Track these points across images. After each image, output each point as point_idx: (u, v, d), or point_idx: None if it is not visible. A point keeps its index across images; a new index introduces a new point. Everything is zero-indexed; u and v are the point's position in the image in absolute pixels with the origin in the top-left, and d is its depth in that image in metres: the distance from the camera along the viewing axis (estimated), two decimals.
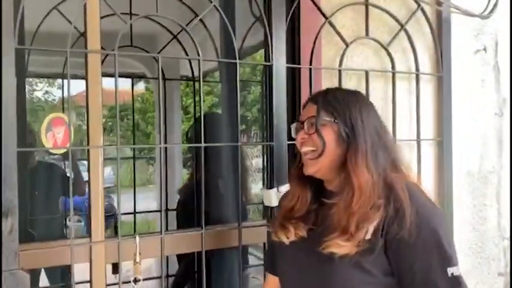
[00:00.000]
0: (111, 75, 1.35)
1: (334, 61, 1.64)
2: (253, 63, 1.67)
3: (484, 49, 2.00)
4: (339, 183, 1.04)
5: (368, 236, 0.96)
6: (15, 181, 1.12)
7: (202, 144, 1.39)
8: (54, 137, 1.39)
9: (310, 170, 1.06)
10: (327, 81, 1.60)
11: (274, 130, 1.45)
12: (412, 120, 1.78)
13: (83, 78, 1.37)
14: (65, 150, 1.36)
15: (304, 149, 1.07)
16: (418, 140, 1.77)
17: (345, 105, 1.04)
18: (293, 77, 1.56)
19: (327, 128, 1.03)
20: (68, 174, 2.63)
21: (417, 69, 1.78)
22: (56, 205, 2.63)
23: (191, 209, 1.66)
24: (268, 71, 1.45)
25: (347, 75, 1.65)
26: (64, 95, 2.31)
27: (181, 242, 1.39)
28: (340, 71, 1.61)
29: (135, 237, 1.27)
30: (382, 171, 1.01)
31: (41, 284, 2.48)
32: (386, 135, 1.08)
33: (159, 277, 1.43)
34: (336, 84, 1.60)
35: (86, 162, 1.42)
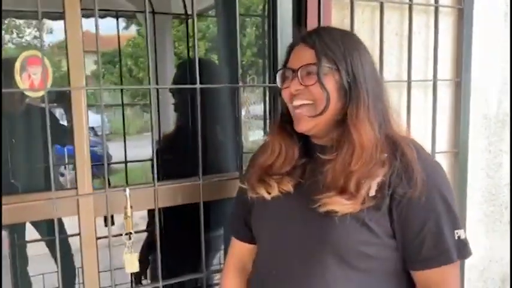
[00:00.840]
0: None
1: None
2: None
3: None
4: (334, 138, 0.92)
5: (372, 193, 0.86)
6: None
7: (198, 86, 1.23)
8: (30, 78, 1.23)
9: (304, 126, 0.92)
10: (337, 13, 1.42)
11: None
12: (429, 58, 1.62)
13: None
14: (42, 92, 1.21)
15: (297, 102, 0.92)
16: (435, 81, 1.61)
17: (345, 48, 0.90)
18: (298, 8, 1.37)
19: (327, 78, 0.89)
20: (61, 122, 2.49)
21: (436, 0, 1.59)
22: (47, 153, 2.50)
23: (169, 160, 1.52)
24: (271, 1, 1.26)
25: (359, 6, 1.46)
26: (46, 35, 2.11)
27: (177, 194, 1.27)
28: (352, 1, 1.42)
29: (124, 189, 1.14)
30: (384, 123, 0.92)
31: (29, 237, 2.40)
32: (382, 81, 0.98)
33: (147, 230, 1.32)
34: (347, 17, 1.42)
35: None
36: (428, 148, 1.49)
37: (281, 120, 1.00)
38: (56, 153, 2.71)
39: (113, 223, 1.60)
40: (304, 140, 0.98)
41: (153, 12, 1.95)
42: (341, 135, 0.90)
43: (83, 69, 1.22)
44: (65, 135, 2.49)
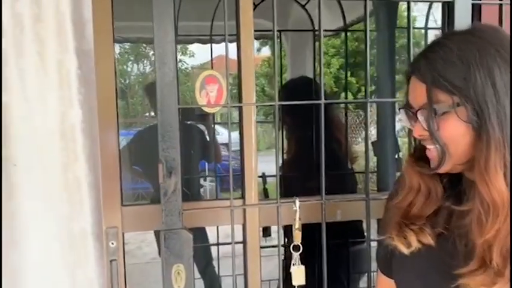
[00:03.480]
0: None
1: None
2: (428, 0, 1.41)
3: None
4: None
5: None
6: (177, 139, 1.09)
7: (368, 100, 1.22)
8: (207, 96, 1.35)
9: (440, 170, 0.77)
10: None
11: None
12: None
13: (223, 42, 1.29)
14: (218, 108, 1.31)
15: (427, 146, 0.77)
16: None
17: (465, 69, 0.68)
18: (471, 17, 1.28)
19: (449, 118, 0.71)
20: (207, 138, 2.71)
21: None
22: (194, 166, 2.72)
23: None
24: (448, 9, 1.19)
25: None
26: (213, 57, 2.28)
27: (342, 209, 1.26)
28: None
29: (294, 201, 1.16)
30: None
31: None
32: None
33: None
34: None
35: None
36: None
37: (415, 154, 0.84)
38: (200, 168, 2.93)
39: (269, 234, 1.66)
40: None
41: (315, 30, 1.95)
42: (475, 185, 0.72)
43: (253, 86, 1.30)
44: (213, 152, 2.69)
